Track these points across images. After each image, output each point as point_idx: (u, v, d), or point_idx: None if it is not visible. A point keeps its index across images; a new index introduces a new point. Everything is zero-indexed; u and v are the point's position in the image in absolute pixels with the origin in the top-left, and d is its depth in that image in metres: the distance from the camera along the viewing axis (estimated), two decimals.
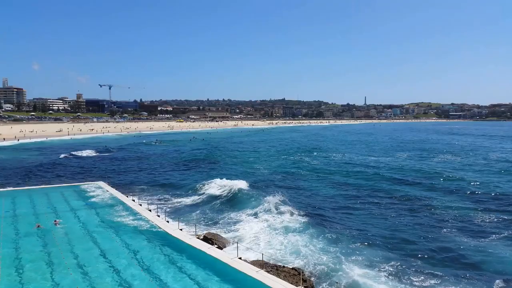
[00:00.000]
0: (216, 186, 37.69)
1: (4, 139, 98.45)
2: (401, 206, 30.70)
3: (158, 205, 30.13)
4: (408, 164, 55.63)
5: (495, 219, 26.67)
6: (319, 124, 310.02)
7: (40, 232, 21.42)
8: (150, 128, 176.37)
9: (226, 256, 18.04)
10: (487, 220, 26.61)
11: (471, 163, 56.72)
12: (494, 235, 23.36)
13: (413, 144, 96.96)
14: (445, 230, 24.51)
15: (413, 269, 18.60)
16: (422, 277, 17.77)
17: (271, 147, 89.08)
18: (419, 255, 20.38)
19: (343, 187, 39.03)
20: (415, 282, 17.30)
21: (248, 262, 17.54)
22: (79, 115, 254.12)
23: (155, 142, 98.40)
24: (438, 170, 48.35)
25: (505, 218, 26.75)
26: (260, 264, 17.10)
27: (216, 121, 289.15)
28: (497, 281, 17.40)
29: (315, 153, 72.61)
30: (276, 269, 17.09)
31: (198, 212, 29.65)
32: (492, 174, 46.04)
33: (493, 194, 34.54)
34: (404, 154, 70.24)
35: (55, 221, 23.85)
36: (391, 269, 18.58)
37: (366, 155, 69.42)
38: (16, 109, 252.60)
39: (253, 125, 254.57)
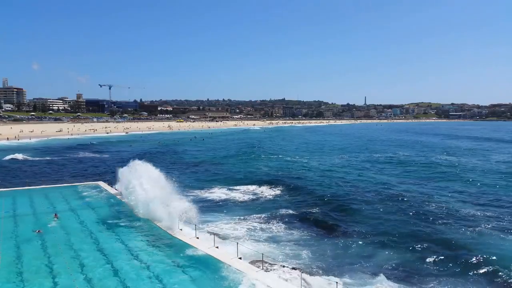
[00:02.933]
0: (217, 187, 37.81)
1: (7, 138, 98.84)
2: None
3: None
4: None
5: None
6: (319, 124, 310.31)
7: (40, 234, 21.40)
8: (149, 128, 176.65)
9: (225, 255, 18.07)
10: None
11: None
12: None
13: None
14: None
15: (412, 268, 18.62)
16: (422, 277, 17.79)
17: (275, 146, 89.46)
18: (417, 254, 20.42)
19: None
20: (414, 281, 17.33)
21: (248, 262, 17.58)
22: (79, 115, 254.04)
23: (159, 143, 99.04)
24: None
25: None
26: (260, 264, 17.13)
27: (216, 121, 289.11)
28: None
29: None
30: (276, 269, 17.12)
31: (198, 212, 29.65)
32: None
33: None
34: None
35: (55, 215, 24.56)
36: (390, 268, 18.63)
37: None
38: (16, 109, 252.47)
39: (254, 124, 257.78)
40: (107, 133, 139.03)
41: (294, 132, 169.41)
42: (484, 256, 19.73)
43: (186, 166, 55.70)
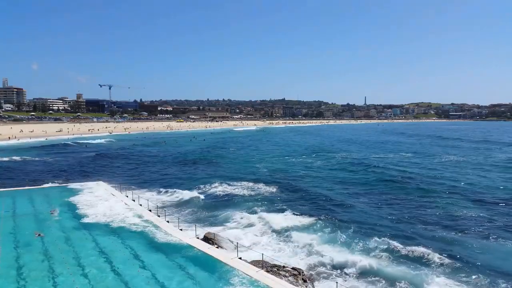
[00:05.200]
0: (216, 187, 37.81)
1: (9, 138, 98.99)
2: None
3: (158, 205, 30.07)
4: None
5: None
6: (318, 124, 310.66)
7: (37, 230, 21.31)
8: (147, 128, 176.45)
9: (226, 256, 18.04)
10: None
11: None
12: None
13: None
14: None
15: (410, 271, 18.59)
16: (423, 276, 17.76)
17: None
18: (417, 255, 20.42)
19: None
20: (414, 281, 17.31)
21: (248, 262, 17.54)
22: (79, 115, 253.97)
23: (164, 142, 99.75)
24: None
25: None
26: (260, 264, 17.09)
27: (216, 121, 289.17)
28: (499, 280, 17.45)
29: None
30: (276, 269, 17.10)
31: (198, 212, 29.69)
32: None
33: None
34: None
35: (51, 211, 24.98)
36: (388, 267, 18.59)
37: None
38: (16, 109, 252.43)
39: (255, 125, 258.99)
40: (110, 132, 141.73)
41: (284, 134, 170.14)
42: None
43: (185, 164, 55.76)
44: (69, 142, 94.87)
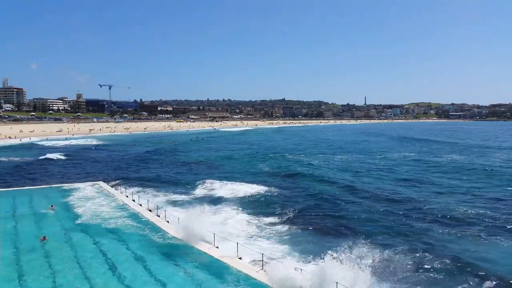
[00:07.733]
0: (214, 186, 37.86)
1: (9, 137, 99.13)
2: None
3: (158, 205, 30.03)
4: None
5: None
6: (319, 124, 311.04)
7: (39, 233, 21.30)
8: (145, 129, 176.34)
9: (226, 256, 18.04)
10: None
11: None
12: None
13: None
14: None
15: (405, 267, 18.57)
16: (413, 275, 17.76)
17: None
18: (407, 253, 20.37)
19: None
20: (408, 280, 17.32)
21: (248, 262, 17.55)
22: (79, 115, 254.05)
23: (173, 142, 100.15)
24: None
25: None
26: (260, 263, 17.09)
27: (216, 121, 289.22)
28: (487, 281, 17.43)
29: None
30: (276, 269, 17.04)
31: (198, 212, 29.57)
32: None
33: None
34: None
35: (51, 206, 25.97)
36: (384, 267, 18.58)
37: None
38: (16, 109, 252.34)
39: (256, 125, 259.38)
40: (111, 132, 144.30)
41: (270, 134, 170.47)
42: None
43: (186, 164, 55.77)
44: (70, 142, 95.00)
